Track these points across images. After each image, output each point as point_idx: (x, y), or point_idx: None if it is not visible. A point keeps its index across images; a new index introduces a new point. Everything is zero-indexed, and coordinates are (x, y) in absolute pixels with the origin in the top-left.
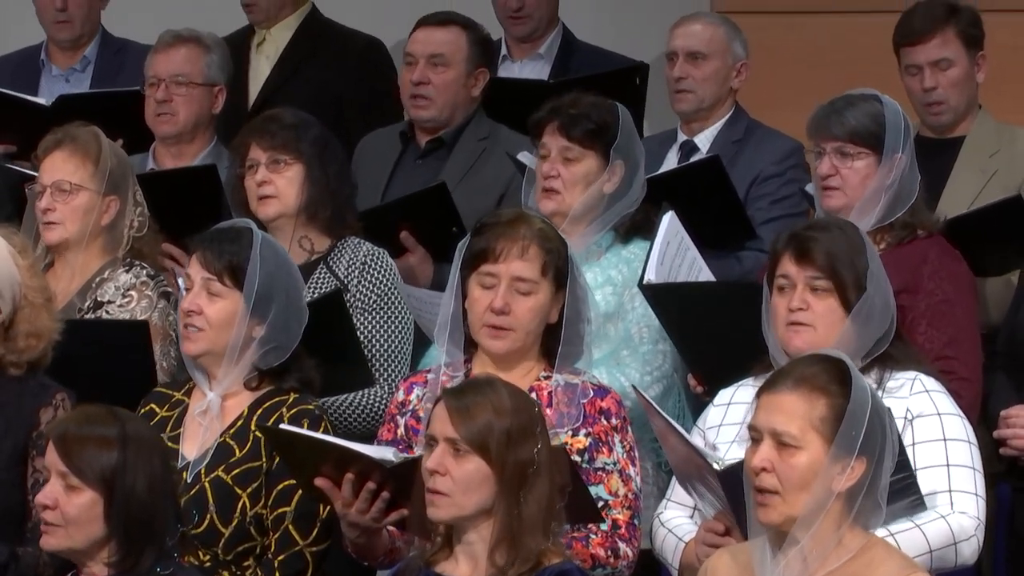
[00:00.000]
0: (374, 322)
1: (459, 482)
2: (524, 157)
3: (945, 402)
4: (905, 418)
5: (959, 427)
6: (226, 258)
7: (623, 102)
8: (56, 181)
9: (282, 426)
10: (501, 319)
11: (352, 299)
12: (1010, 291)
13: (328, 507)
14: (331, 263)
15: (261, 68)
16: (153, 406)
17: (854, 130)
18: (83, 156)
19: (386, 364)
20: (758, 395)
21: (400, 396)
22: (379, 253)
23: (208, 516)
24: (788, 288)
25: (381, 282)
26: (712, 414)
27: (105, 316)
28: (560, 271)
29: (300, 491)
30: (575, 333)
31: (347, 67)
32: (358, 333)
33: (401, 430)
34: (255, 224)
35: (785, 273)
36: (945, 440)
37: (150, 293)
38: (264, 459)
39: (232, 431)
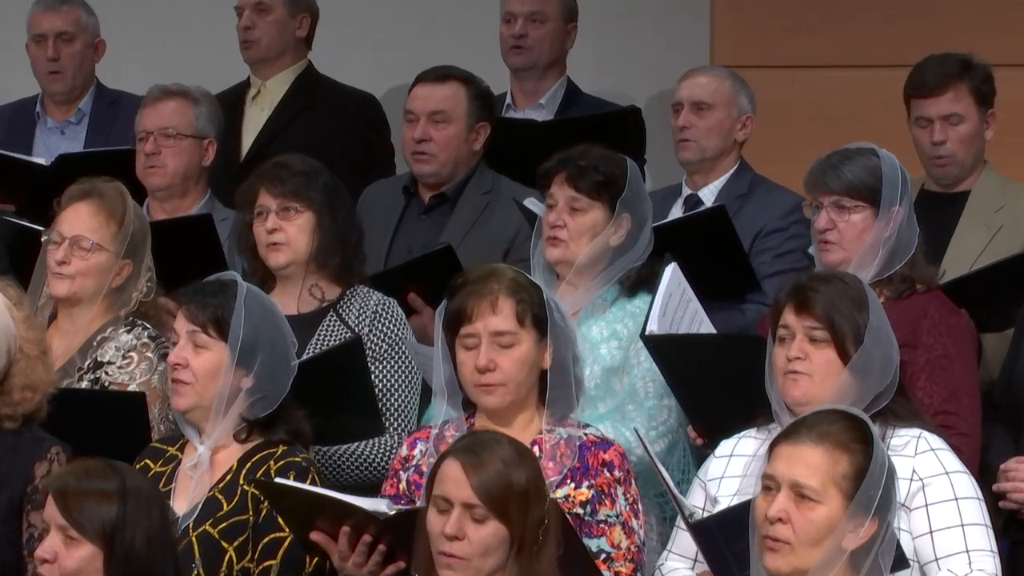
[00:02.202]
0: (385, 371)
1: (477, 546)
2: (531, 203)
3: (951, 460)
4: (911, 479)
5: (968, 485)
6: (210, 310)
7: (617, 145)
8: (76, 236)
9: (277, 480)
10: (488, 376)
11: None
12: (1004, 343)
13: (314, 559)
14: (341, 311)
15: (256, 119)
16: (148, 461)
17: (851, 184)
18: (108, 215)
19: (396, 414)
20: (774, 444)
21: (404, 451)
22: (389, 303)
23: (194, 571)
24: (788, 338)
25: (392, 332)
26: (714, 465)
27: (104, 377)
28: (539, 318)
29: (287, 544)
30: (564, 377)
31: (342, 121)
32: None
33: (403, 485)
34: (241, 277)
35: (785, 323)
36: (957, 499)
37: (150, 355)
38: (251, 512)
39: (221, 485)
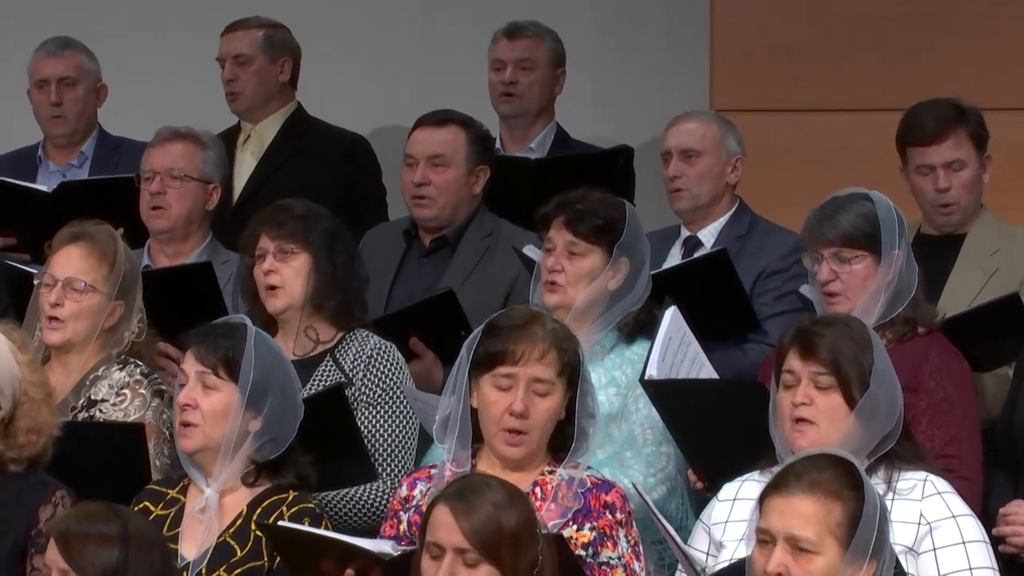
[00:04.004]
0: (378, 416)
1: None
2: (530, 251)
3: (958, 503)
4: (919, 523)
5: (974, 528)
6: (221, 351)
7: (609, 184)
8: (69, 278)
9: (281, 522)
10: (520, 422)
11: (357, 392)
12: (1004, 385)
13: None
14: (338, 356)
15: (246, 164)
16: (147, 504)
17: (848, 233)
18: (100, 257)
19: (389, 459)
20: (764, 496)
21: (403, 492)
22: (387, 347)
23: None
24: (793, 383)
25: (387, 376)
26: (718, 510)
27: (98, 415)
28: (574, 370)
29: None
30: (584, 427)
31: (330, 164)
32: (362, 427)
33: (404, 526)
34: (249, 320)
35: (790, 368)
36: (964, 543)
37: (144, 392)
38: (265, 558)
39: (232, 530)
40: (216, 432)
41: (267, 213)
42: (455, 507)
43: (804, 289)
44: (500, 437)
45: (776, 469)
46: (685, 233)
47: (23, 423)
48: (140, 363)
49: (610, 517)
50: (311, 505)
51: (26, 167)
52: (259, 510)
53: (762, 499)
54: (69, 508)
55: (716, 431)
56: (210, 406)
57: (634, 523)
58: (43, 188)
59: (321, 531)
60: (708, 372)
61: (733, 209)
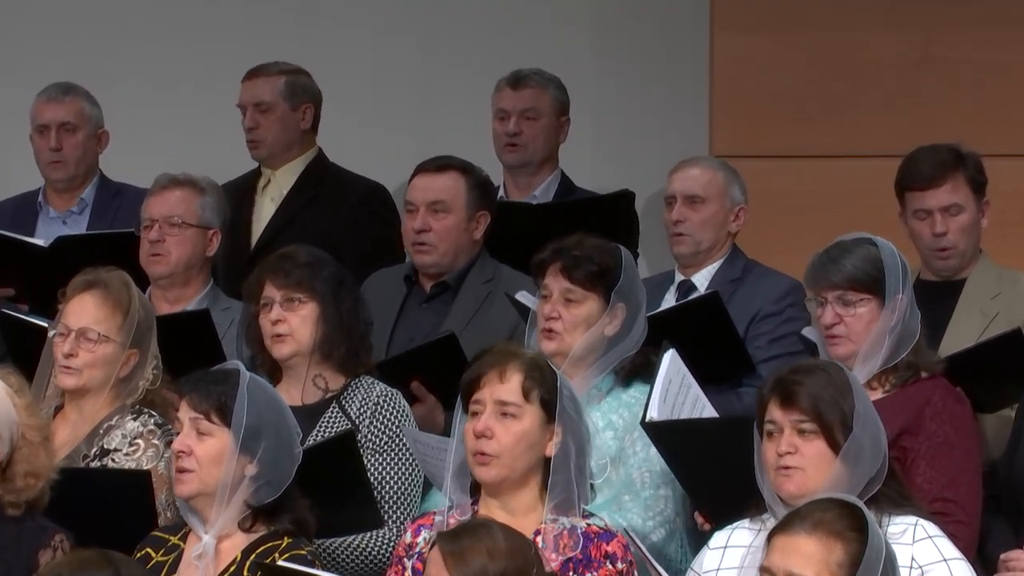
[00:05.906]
0: (384, 464)
1: None
2: (523, 297)
3: (948, 547)
4: (910, 567)
5: (966, 572)
6: (214, 397)
7: (612, 229)
8: (82, 328)
9: (280, 563)
10: (484, 443)
11: (363, 440)
12: (1006, 426)
13: None
14: (344, 403)
15: (265, 209)
16: (149, 550)
17: (854, 277)
18: (114, 306)
19: (395, 506)
20: (771, 536)
21: (408, 538)
22: (392, 394)
23: None
24: (776, 433)
25: (393, 424)
26: (708, 558)
27: (111, 464)
28: (548, 401)
29: None
30: (567, 467)
31: (348, 213)
32: (368, 474)
33: (408, 572)
34: (244, 367)
35: (772, 418)
36: None
37: (157, 442)
38: None
39: None
40: (211, 477)
41: (272, 261)
42: (444, 548)
43: (807, 331)
44: (472, 461)
45: (766, 517)
46: (679, 277)
47: (21, 467)
48: (154, 413)
49: (611, 567)
50: (303, 552)
51: (26, 212)
52: (253, 556)
53: (769, 539)
54: (68, 552)
55: (720, 471)
56: (204, 451)
57: (635, 572)
58: (40, 243)
59: (320, 572)
60: (710, 413)
61: (727, 254)
